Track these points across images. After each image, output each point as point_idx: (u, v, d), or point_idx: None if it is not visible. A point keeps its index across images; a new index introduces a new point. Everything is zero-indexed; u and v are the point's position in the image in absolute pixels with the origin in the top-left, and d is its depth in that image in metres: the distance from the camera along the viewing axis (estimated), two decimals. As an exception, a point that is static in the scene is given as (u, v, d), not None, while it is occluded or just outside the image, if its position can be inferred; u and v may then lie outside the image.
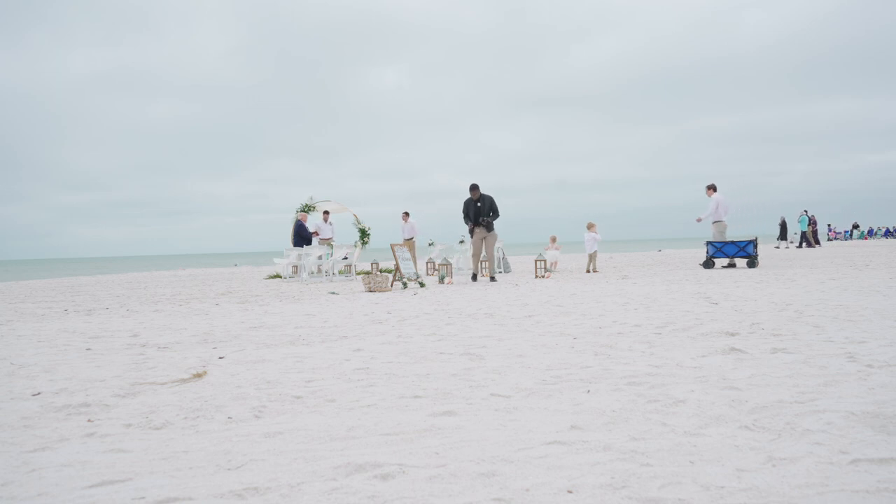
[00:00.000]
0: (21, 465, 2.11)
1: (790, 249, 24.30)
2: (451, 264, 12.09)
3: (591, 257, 13.66)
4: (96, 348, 4.65)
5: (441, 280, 11.67)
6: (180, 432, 2.46)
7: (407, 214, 16.45)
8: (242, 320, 6.25)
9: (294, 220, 15.63)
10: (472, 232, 11.40)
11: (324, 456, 2.10)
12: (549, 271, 12.88)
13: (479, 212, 11.22)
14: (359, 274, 14.45)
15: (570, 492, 1.73)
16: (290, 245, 15.03)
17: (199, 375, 3.49)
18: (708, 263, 12.98)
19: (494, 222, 11.38)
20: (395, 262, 11.07)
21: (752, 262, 12.55)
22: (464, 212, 11.34)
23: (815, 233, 27.97)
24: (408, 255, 11.51)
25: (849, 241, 36.87)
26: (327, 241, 15.01)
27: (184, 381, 3.38)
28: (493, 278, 11.46)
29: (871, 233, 42.65)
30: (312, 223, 15.42)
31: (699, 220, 13.33)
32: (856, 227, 42.49)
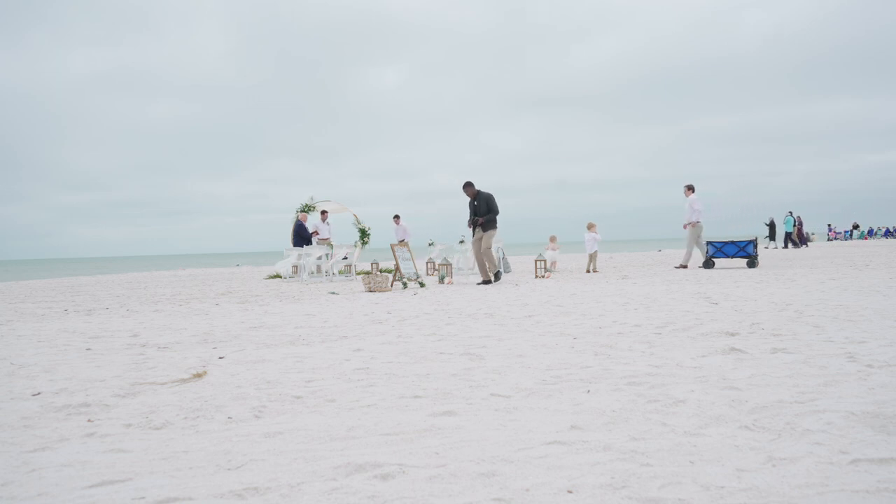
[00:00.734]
0: (21, 465, 2.11)
1: (777, 250, 24.32)
2: (451, 264, 12.08)
3: (592, 257, 13.66)
4: (96, 348, 4.65)
5: (441, 280, 11.66)
6: (180, 432, 2.46)
7: (398, 218, 16.41)
8: (242, 320, 6.25)
9: (294, 220, 15.64)
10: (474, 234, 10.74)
11: (324, 456, 2.10)
12: (549, 271, 12.88)
13: (477, 211, 10.67)
14: (359, 274, 14.45)
15: (570, 492, 1.73)
16: (290, 245, 15.03)
17: (199, 375, 3.49)
18: (708, 263, 12.99)
19: (491, 220, 10.59)
20: (394, 262, 11.06)
21: (752, 262, 12.55)
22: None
23: (800, 233, 28.00)
24: (408, 255, 11.49)
25: (849, 241, 36.87)
26: (326, 241, 15.01)
27: (184, 381, 3.39)
28: (489, 280, 10.67)
29: (871, 233, 42.64)
30: (311, 223, 15.42)
31: (686, 226, 13.32)
32: (856, 227, 42.49)
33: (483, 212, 10.67)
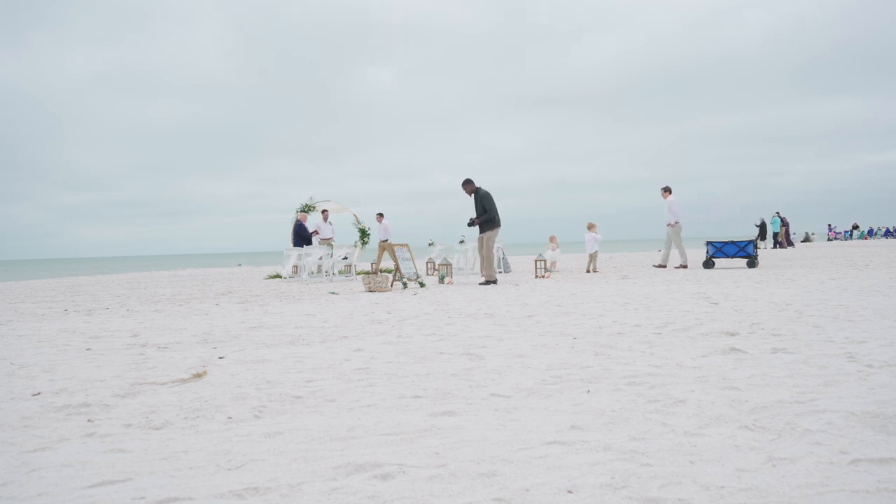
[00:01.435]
0: (21, 465, 2.11)
1: (767, 250, 24.36)
2: (451, 264, 12.08)
3: (592, 257, 13.66)
4: (96, 348, 4.65)
5: (441, 280, 11.66)
6: (180, 432, 2.46)
7: (381, 216, 16.32)
8: (242, 320, 6.25)
9: (294, 220, 15.64)
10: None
11: (324, 456, 2.10)
12: (549, 271, 12.88)
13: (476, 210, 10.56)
14: (359, 274, 14.45)
15: (570, 492, 1.73)
16: (291, 245, 15.03)
17: (199, 375, 3.49)
18: (708, 263, 12.99)
19: (488, 220, 10.42)
20: (394, 262, 11.06)
21: (752, 262, 12.56)
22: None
23: (787, 234, 28.03)
24: (408, 255, 11.49)
25: (849, 241, 36.87)
26: (327, 241, 15.01)
27: (184, 381, 3.38)
28: (493, 280, 10.54)
29: (871, 233, 42.65)
30: (312, 223, 15.42)
31: (672, 225, 13.42)
32: (855, 227, 42.50)
33: (479, 212, 10.61)
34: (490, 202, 10.52)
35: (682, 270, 12.58)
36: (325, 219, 15.52)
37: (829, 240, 40.70)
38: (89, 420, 2.66)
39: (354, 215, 17.49)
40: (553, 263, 14.01)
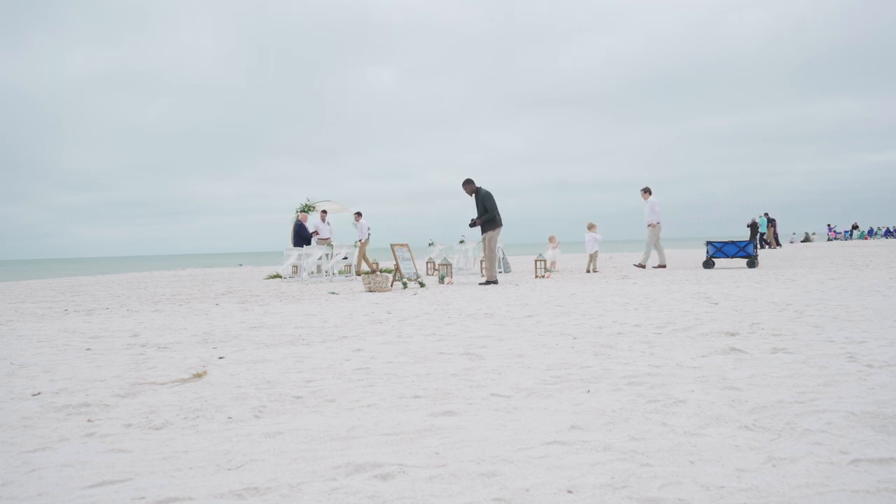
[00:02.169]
0: (21, 465, 2.11)
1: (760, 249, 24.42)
2: (451, 264, 12.08)
3: (592, 257, 13.66)
4: (96, 348, 4.65)
5: (441, 280, 11.66)
6: (180, 432, 2.46)
7: (359, 214, 16.22)
8: (242, 320, 6.25)
9: (294, 220, 15.64)
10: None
11: (324, 456, 2.10)
12: (549, 271, 12.88)
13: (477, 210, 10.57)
14: (358, 274, 14.45)
15: (570, 492, 1.73)
16: (291, 245, 15.03)
17: (199, 375, 3.49)
18: (708, 263, 13.00)
19: (490, 220, 10.40)
20: (395, 262, 11.06)
21: (752, 262, 12.56)
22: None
23: (775, 234, 28.07)
24: (408, 254, 11.48)
25: (849, 241, 36.88)
26: (326, 241, 15.01)
27: (184, 381, 3.38)
28: (493, 280, 10.51)
29: (871, 233, 42.65)
30: (311, 223, 15.42)
31: (653, 225, 13.59)
32: (855, 227, 42.51)
33: (480, 212, 10.61)
34: (491, 202, 10.50)
35: (661, 270, 12.77)
36: (324, 219, 15.52)
37: (829, 240, 40.71)
38: (89, 420, 2.66)
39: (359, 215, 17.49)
40: (553, 263, 14.01)
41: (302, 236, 14.86)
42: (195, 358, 4.11)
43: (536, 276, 12.16)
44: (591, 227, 13.98)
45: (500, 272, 14.11)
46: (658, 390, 2.83)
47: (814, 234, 40.06)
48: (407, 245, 11.59)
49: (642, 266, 13.69)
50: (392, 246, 11.31)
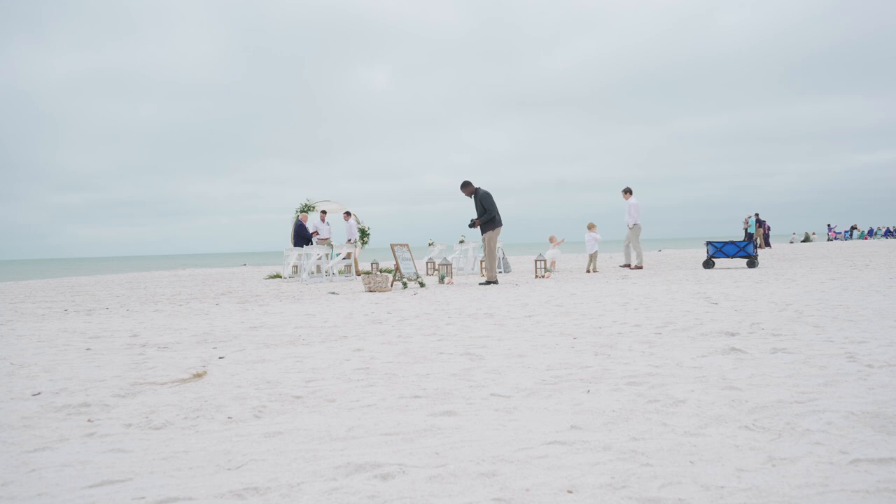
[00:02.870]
0: (21, 465, 2.11)
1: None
2: (451, 264, 12.08)
3: (592, 257, 13.66)
4: (96, 348, 4.65)
5: (441, 280, 11.66)
6: (180, 432, 2.46)
7: (348, 214, 16.15)
8: (242, 320, 6.25)
9: (294, 220, 15.64)
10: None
11: (324, 456, 2.10)
12: (549, 271, 12.88)
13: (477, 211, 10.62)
14: (358, 274, 14.45)
15: (570, 492, 1.73)
16: (290, 245, 15.03)
17: (199, 375, 3.49)
18: (708, 263, 13.00)
19: (489, 220, 10.43)
20: (395, 262, 11.05)
21: (752, 263, 12.56)
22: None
23: (765, 236, 28.11)
24: (407, 254, 11.48)
25: (848, 242, 36.90)
26: (326, 241, 15.01)
27: (184, 381, 3.38)
28: (494, 280, 10.49)
29: (871, 233, 42.66)
30: (311, 223, 15.42)
31: (632, 227, 13.75)
32: (854, 228, 42.52)
33: (479, 213, 10.64)
34: (490, 202, 10.52)
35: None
36: (323, 219, 15.52)
37: (828, 240, 40.72)
38: (89, 420, 2.66)
39: (354, 215, 17.48)
40: (553, 263, 14.02)
41: (302, 236, 14.86)
42: (195, 358, 4.11)
43: (536, 276, 12.16)
44: (591, 227, 13.98)
45: (500, 272, 14.11)
46: (658, 390, 2.83)
47: (814, 234, 40.08)
48: (407, 245, 11.59)
49: (628, 266, 13.86)
50: (392, 246, 11.31)
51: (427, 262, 15.54)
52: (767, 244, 28.43)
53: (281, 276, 14.64)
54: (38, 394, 3.15)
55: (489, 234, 10.59)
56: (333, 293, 9.66)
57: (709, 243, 13.16)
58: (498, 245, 13.12)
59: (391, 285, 10.31)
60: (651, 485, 1.76)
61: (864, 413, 2.33)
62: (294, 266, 14.24)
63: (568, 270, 14.54)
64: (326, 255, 13.92)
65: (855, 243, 31.79)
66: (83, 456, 2.18)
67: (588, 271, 13.38)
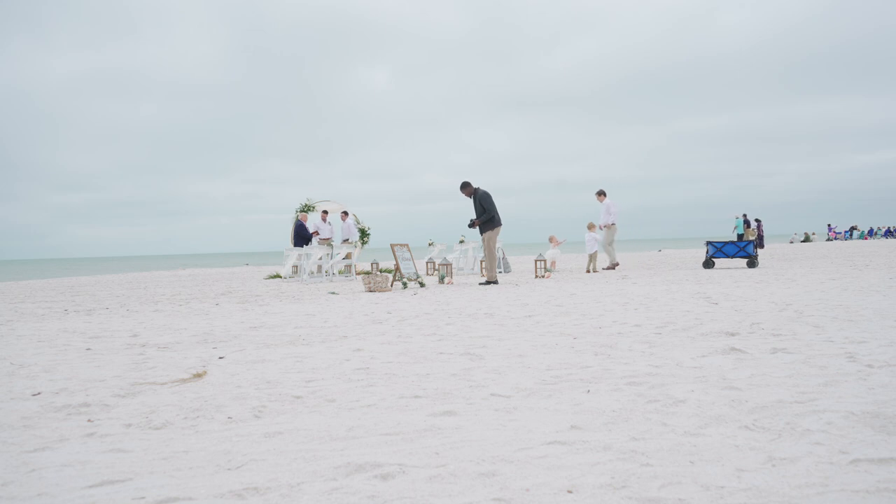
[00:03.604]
0: (21, 465, 2.11)
1: None
2: (451, 264, 12.08)
3: (592, 257, 13.67)
4: (96, 348, 4.65)
5: (441, 280, 11.66)
6: (180, 432, 2.46)
7: (346, 214, 16.11)
8: (242, 320, 6.25)
9: (294, 220, 15.64)
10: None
11: (324, 456, 2.10)
12: (549, 271, 12.88)
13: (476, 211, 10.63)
14: (359, 274, 14.45)
15: (570, 492, 1.73)
16: (291, 245, 15.03)
17: (199, 375, 3.49)
18: (708, 263, 13.00)
19: (488, 220, 10.46)
20: (395, 262, 11.05)
21: (752, 263, 12.56)
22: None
23: (759, 236, 28.08)
24: (407, 254, 11.48)
25: (848, 242, 36.91)
26: (327, 241, 15.01)
27: (184, 381, 3.38)
28: (494, 280, 10.50)
29: (871, 233, 42.67)
30: (311, 223, 15.42)
31: (604, 227, 13.96)
32: (854, 228, 42.53)
33: (478, 213, 10.65)
34: (489, 202, 10.53)
35: (610, 271, 13.18)
36: (324, 219, 15.52)
37: (828, 240, 40.74)
38: (89, 420, 2.66)
39: (354, 215, 17.48)
40: (552, 263, 14.02)
41: (302, 236, 14.86)
42: (195, 358, 4.11)
43: (536, 276, 12.16)
44: (590, 227, 13.99)
45: (500, 272, 14.11)
46: (658, 390, 2.83)
47: (814, 234, 40.10)
48: (407, 245, 11.59)
49: (613, 266, 13.97)
50: (392, 246, 11.31)
51: (427, 262, 15.55)
52: (760, 244, 28.41)
53: (281, 276, 14.64)
54: (38, 394, 3.15)
55: (489, 233, 10.61)
56: (333, 293, 9.66)
57: (709, 243, 13.16)
58: (498, 245, 13.12)
59: (391, 285, 10.31)
60: (651, 485, 1.76)
61: (864, 413, 2.33)
62: (294, 266, 14.23)
63: (568, 270, 14.54)
64: (327, 255, 13.92)
65: (855, 243, 31.78)
66: (83, 456, 2.18)
67: (588, 271, 13.38)
